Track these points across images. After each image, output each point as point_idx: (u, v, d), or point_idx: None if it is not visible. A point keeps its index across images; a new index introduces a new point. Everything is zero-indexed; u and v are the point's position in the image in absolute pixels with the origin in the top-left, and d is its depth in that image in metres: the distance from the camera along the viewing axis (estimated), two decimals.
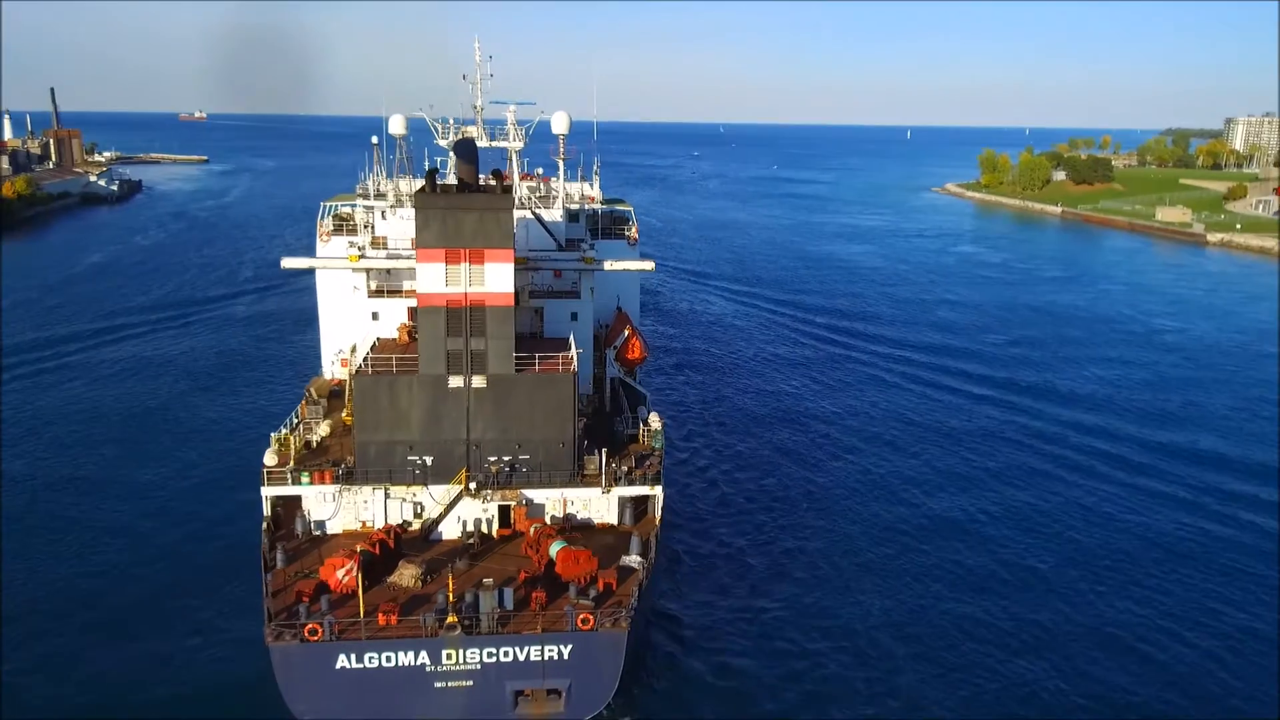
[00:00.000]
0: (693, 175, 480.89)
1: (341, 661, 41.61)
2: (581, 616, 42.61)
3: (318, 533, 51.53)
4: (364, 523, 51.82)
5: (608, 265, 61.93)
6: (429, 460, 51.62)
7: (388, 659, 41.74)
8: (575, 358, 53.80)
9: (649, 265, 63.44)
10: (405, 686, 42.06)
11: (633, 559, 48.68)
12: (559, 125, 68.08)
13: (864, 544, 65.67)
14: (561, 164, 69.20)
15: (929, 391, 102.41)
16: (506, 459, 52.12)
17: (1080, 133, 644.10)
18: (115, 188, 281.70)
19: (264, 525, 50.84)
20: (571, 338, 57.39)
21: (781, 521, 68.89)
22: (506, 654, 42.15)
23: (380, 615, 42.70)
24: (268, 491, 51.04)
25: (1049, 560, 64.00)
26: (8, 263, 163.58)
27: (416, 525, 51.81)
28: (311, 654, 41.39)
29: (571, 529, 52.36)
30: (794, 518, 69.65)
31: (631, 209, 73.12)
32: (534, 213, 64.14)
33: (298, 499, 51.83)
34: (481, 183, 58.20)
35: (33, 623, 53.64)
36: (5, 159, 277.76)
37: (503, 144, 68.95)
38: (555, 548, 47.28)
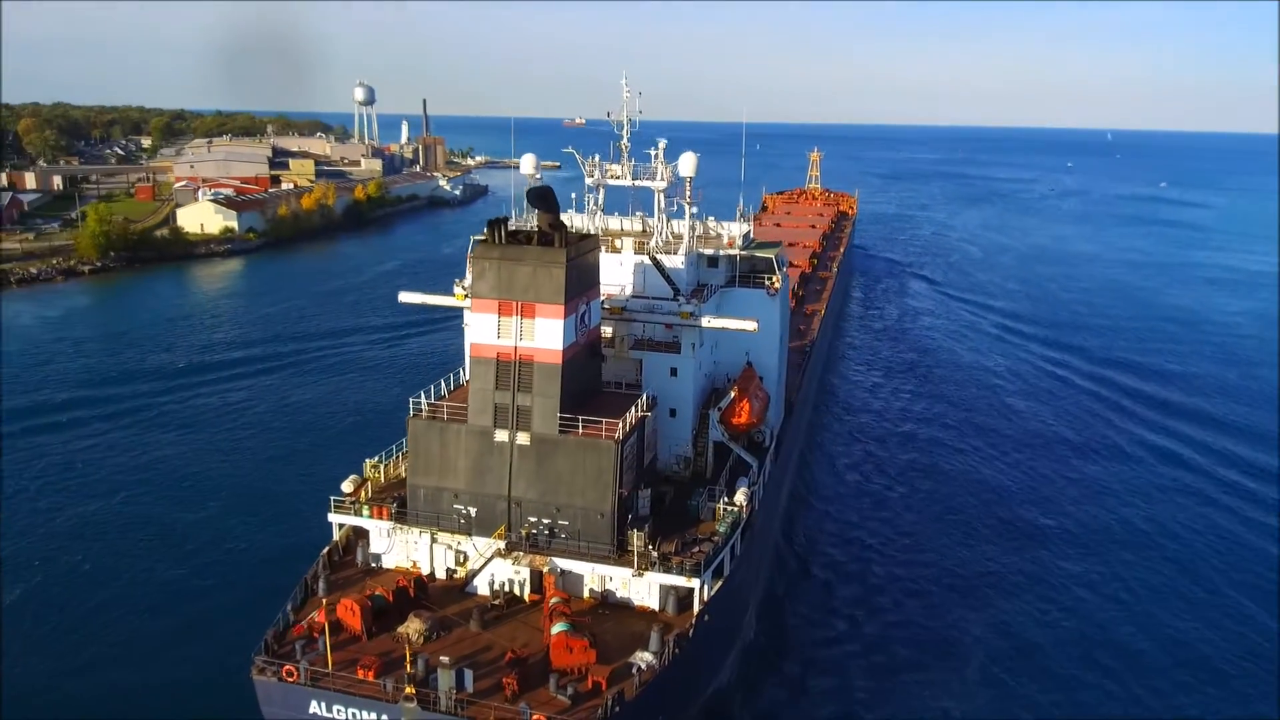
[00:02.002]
0: (1048, 193, 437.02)
1: (314, 707, 43.39)
2: (536, 715, 40.42)
3: (374, 565, 54.32)
4: (414, 563, 53.72)
5: (705, 322, 58.24)
6: (473, 511, 52.19)
7: (353, 714, 42.80)
8: (630, 421, 51.29)
9: (751, 325, 58.45)
10: None
11: (642, 658, 45.22)
12: (686, 168, 65.24)
13: None
14: (689, 208, 66.22)
15: None
16: (546, 521, 51.09)
17: None
18: (458, 192, 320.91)
19: (325, 551, 54.54)
20: (644, 396, 54.85)
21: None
22: None
23: (359, 669, 43.89)
24: (334, 518, 54.79)
25: None
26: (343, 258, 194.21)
27: (461, 573, 52.61)
28: (289, 694, 43.62)
29: (606, 608, 50.07)
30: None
31: (774, 255, 67.85)
32: (653, 257, 62.04)
33: (366, 531, 55.03)
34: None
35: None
36: (380, 162, 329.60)
37: (646, 183, 67.62)
38: (556, 629, 45.44)
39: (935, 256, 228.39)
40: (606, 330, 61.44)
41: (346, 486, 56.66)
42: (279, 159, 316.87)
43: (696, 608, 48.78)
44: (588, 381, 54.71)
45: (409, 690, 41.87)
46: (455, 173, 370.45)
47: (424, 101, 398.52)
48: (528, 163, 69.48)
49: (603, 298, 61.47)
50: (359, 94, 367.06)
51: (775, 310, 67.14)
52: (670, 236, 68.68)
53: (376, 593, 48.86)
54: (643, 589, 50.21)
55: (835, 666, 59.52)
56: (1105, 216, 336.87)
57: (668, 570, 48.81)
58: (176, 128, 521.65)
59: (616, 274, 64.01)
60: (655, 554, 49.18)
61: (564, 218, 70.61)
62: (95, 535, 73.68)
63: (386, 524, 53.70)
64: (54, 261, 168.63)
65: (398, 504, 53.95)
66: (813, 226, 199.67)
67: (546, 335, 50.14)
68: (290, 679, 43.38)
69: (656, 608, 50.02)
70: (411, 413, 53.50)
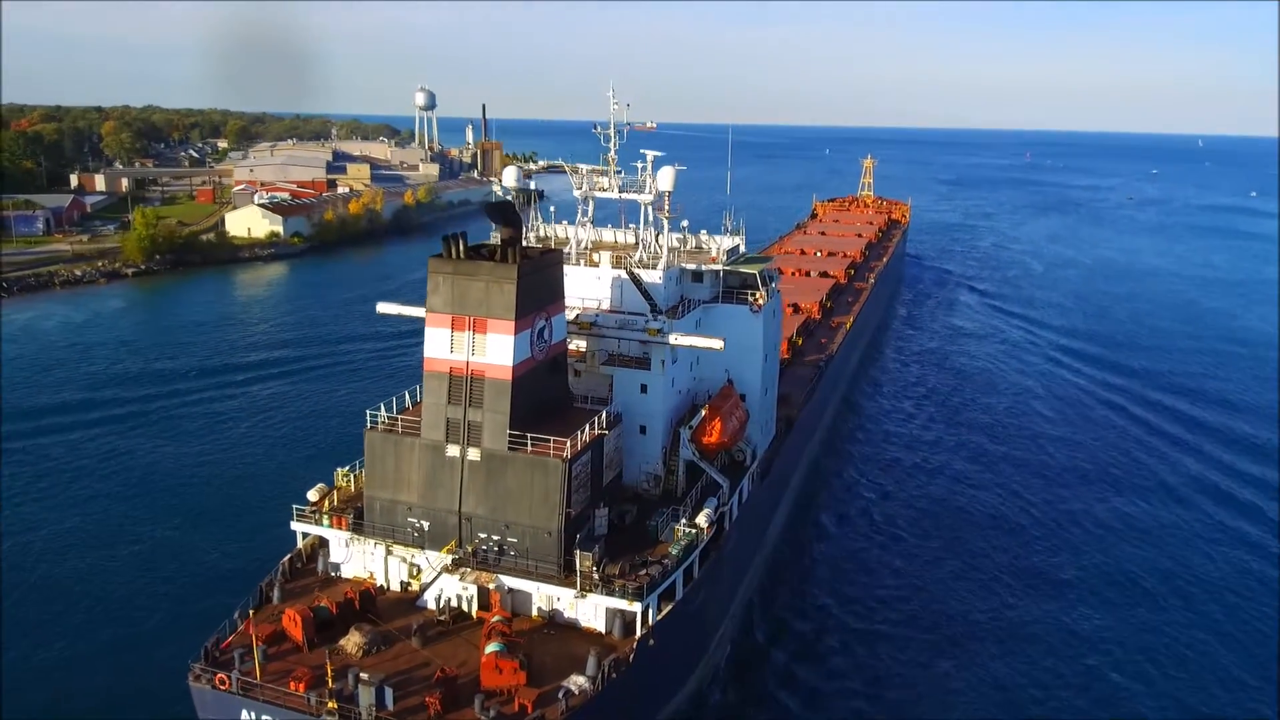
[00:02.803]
0: (1125, 201, 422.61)
1: (245, 715, 44.18)
2: None
3: (334, 574, 55.09)
4: (371, 574, 54.32)
5: (673, 339, 57.62)
6: (426, 525, 52.58)
7: None
8: (584, 439, 51.07)
9: (717, 344, 57.53)
10: None
11: (575, 682, 44.90)
12: (664, 182, 64.82)
13: None
14: (666, 221, 65.74)
15: None
16: (495, 538, 51.17)
17: None
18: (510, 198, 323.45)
19: (287, 558, 55.47)
20: (603, 414, 54.58)
21: None
22: None
23: (291, 680, 44.52)
24: (296, 526, 55.75)
25: None
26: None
27: (415, 586, 53.01)
28: (222, 701, 44.49)
29: (553, 628, 49.90)
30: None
31: (758, 271, 66.79)
32: (630, 272, 61.76)
33: (328, 540, 55.87)
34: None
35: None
36: (436, 166, 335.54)
37: (633, 196, 67.44)
38: (489, 649, 45.43)
39: (992, 270, 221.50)
40: (580, 345, 61.43)
41: (312, 495, 57.62)
42: (339, 163, 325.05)
43: (639, 632, 48.26)
44: (548, 397, 54.57)
45: (331, 705, 42.35)
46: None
47: (483, 106, 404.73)
48: (509, 175, 69.78)
49: (578, 311, 61.61)
50: (419, 99, 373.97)
51: (758, 327, 66.20)
52: (657, 249, 68.45)
53: (321, 604, 49.51)
54: (589, 611, 49.88)
55: (802, 702, 58.12)
56: (1182, 228, 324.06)
57: (610, 593, 48.39)
58: (254, 131, 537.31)
59: (594, 288, 63.93)
60: (597, 576, 48.77)
61: (559, 229, 71.14)
62: (85, 542, 75.46)
63: (345, 534, 54.43)
64: (100, 264, 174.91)
65: (355, 515, 54.64)
66: (859, 235, 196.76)
67: (497, 351, 50.27)
68: (223, 687, 44.22)
69: (603, 630, 49.65)
70: (368, 425, 54.14)
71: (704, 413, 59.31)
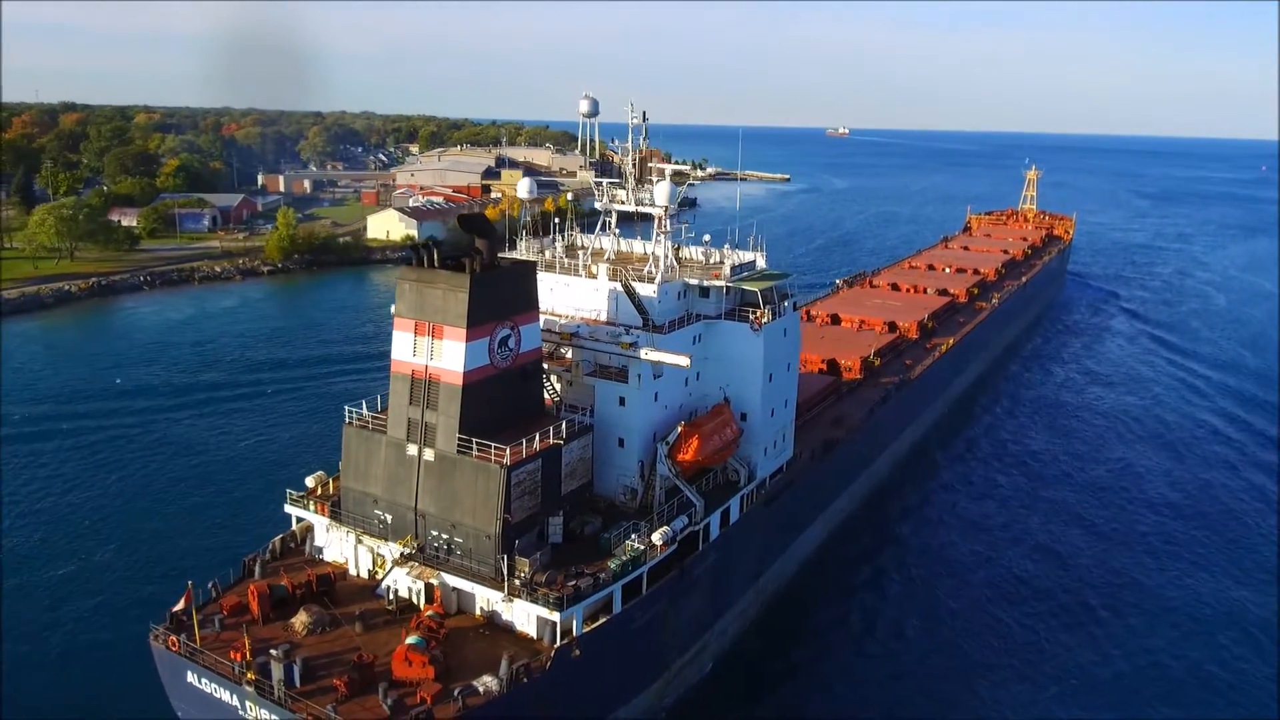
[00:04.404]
0: None
1: (190, 676, 49.37)
2: None
3: (317, 557, 60.02)
4: (346, 559, 58.78)
5: (643, 354, 58.73)
6: (389, 518, 56.41)
7: (213, 690, 48.25)
8: (534, 448, 53.28)
9: (683, 361, 58.12)
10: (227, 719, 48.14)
11: (484, 682, 47.18)
12: (661, 197, 65.91)
13: None
14: (665, 238, 66.66)
15: None
16: (445, 536, 54.21)
17: None
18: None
19: (279, 538, 60.75)
20: (568, 423, 56.66)
21: None
22: None
23: (233, 650, 49.30)
24: (289, 509, 61.09)
25: None
26: None
27: (380, 575, 56.95)
28: (173, 661, 49.91)
29: (490, 629, 52.40)
30: None
31: (759, 289, 66.29)
32: (626, 285, 63.32)
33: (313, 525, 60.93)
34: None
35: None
36: (593, 173, 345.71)
37: (648, 209, 69.06)
38: (406, 642, 48.46)
39: (1164, 301, 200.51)
40: (569, 355, 63.70)
41: (309, 481, 62.83)
42: (500, 169, 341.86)
43: (558, 642, 49.83)
44: (515, 404, 57.05)
45: (250, 676, 46.72)
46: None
47: (643, 113, 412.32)
48: (523, 187, 73.03)
49: (561, 321, 63.99)
50: (583, 106, 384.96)
51: (758, 346, 65.99)
52: (675, 263, 69.71)
53: (281, 583, 54.25)
54: (523, 616, 51.94)
55: None
56: None
57: (534, 600, 50.25)
58: (447, 137, 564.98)
59: (592, 300, 65.95)
60: (518, 582, 50.76)
61: (592, 240, 73.68)
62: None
63: (325, 520, 59.20)
64: (240, 262, 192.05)
65: (333, 504, 59.29)
66: (1004, 251, 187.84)
67: (451, 357, 53.36)
68: (173, 649, 49.60)
69: (535, 636, 51.59)
70: (346, 420, 58.62)
71: (680, 429, 60.01)
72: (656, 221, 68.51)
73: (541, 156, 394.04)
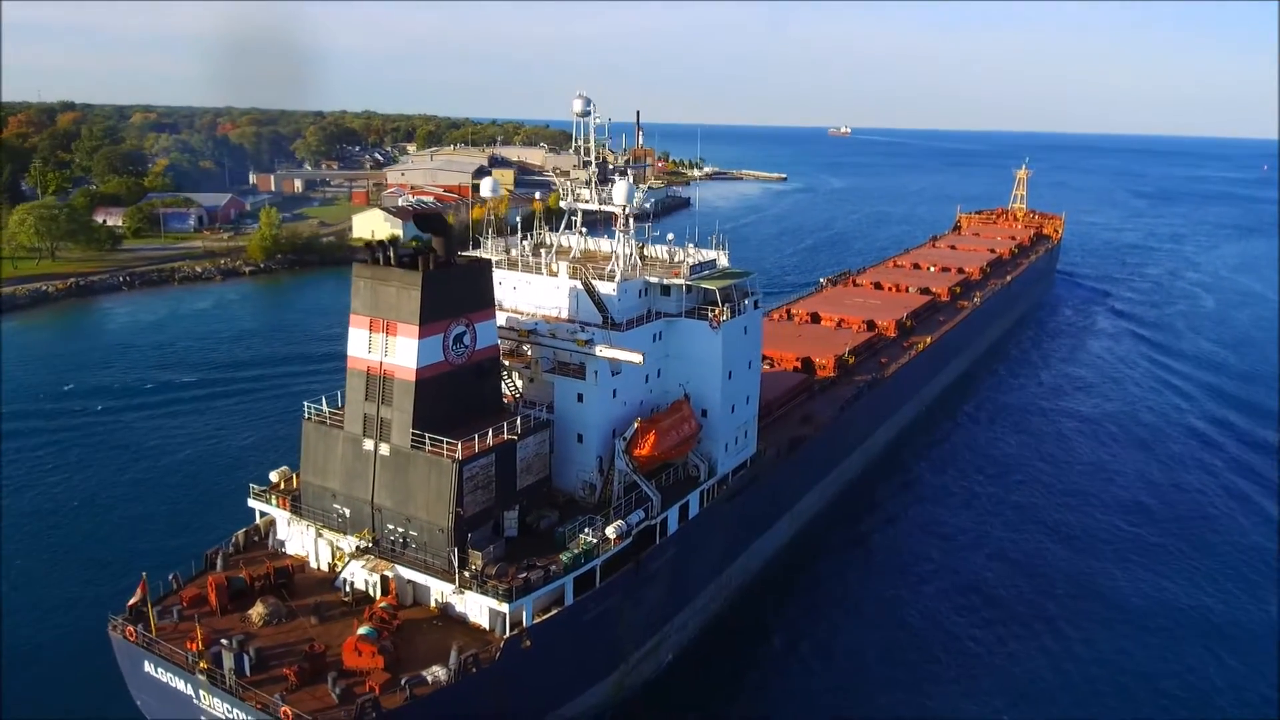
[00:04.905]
0: None
1: (147, 666, 50.59)
2: (284, 709, 44.82)
3: (280, 550, 61.23)
4: (308, 553, 59.98)
5: (598, 351, 60.06)
6: (347, 512, 57.64)
7: (169, 680, 49.47)
8: (486, 443, 54.47)
9: (636, 359, 59.49)
10: (182, 708, 49.32)
11: (432, 672, 48.34)
12: (619, 196, 67.18)
13: None
14: (620, 235, 67.92)
15: None
16: (400, 530, 55.43)
17: None
18: (649, 205, 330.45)
19: (243, 531, 61.89)
20: (523, 419, 57.86)
21: None
22: (231, 714, 46.64)
23: (189, 640, 50.48)
24: (251, 503, 62.31)
25: None
26: None
27: (339, 567, 58.17)
28: (131, 651, 51.12)
29: (444, 620, 53.61)
30: None
31: (717, 288, 67.51)
32: (586, 283, 64.53)
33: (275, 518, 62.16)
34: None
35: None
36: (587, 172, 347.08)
37: (609, 208, 70.32)
38: (359, 631, 49.69)
39: (1151, 302, 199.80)
40: (530, 352, 64.99)
41: (273, 476, 64.07)
42: (493, 168, 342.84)
43: (508, 633, 51.03)
44: (472, 400, 58.24)
45: (203, 665, 47.94)
46: (661, 184, 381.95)
47: (637, 113, 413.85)
48: (486, 186, 74.27)
49: (523, 318, 65.26)
50: (576, 105, 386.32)
51: (717, 343, 67.18)
52: (638, 261, 71.02)
53: (239, 575, 55.47)
54: (476, 608, 53.15)
55: None
56: None
57: (484, 592, 51.47)
58: (446, 136, 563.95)
59: (553, 297, 67.16)
60: (469, 574, 51.98)
61: (559, 239, 74.94)
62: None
63: (286, 514, 60.43)
64: (221, 262, 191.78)
65: (294, 498, 60.51)
66: (991, 251, 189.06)
67: (404, 353, 54.60)
68: (130, 639, 50.81)
69: (487, 627, 52.82)
70: (305, 415, 59.85)
71: (636, 425, 61.21)
72: (615, 220, 69.80)
73: (535, 156, 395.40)
